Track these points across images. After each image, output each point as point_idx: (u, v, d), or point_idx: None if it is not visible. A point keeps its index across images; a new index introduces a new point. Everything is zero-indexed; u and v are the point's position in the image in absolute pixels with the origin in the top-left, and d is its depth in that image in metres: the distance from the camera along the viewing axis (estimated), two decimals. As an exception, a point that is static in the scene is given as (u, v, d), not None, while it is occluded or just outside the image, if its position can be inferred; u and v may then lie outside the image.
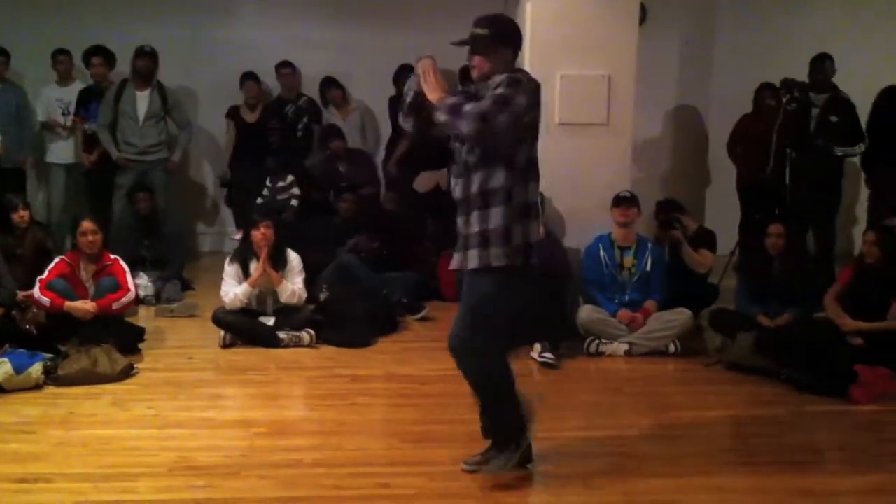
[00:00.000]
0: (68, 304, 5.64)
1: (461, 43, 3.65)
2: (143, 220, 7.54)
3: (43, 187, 8.76)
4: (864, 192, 7.88)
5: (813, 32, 8.47)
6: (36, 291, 5.69)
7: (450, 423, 4.53)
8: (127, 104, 7.95)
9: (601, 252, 6.11)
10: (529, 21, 6.20)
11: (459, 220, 3.69)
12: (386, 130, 8.89)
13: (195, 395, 5.08)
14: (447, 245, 7.09)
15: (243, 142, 8.68)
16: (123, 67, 8.22)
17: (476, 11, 3.78)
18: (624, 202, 6.07)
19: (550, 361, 5.61)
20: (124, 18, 8.62)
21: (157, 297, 7.07)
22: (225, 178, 8.94)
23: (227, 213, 9.27)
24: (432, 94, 3.56)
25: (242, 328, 6.02)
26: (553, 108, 6.13)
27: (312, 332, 6.02)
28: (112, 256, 5.99)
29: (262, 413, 4.89)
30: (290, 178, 8.25)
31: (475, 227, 3.61)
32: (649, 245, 6.21)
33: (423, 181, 8.01)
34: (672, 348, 5.90)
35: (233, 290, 6.05)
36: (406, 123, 3.82)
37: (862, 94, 7.43)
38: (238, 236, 7.19)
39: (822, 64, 7.37)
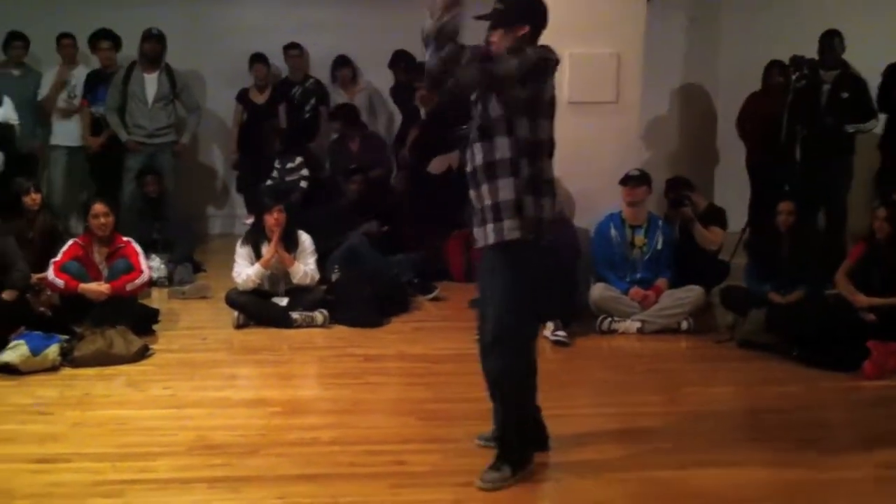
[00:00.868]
0: (82, 286, 5.66)
1: (483, 17, 3.62)
2: (151, 203, 7.58)
3: (45, 169, 8.73)
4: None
5: (820, 8, 8.39)
6: (50, 274, 5.71)
7: (463, 401, 4.55)
8: (136, 87, 7.96)
9: (612, 230, 6.11)
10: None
11: (472, 195, 3.69)
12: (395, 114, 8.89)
13: (210, 375, 5.12)
14: (456, 227, 7.19)
15: (252, 122, 8.68)
16: (129, 51, 8.21)
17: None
18: (631, 181, 6.06)
19: (563, 339, 5.63)
20: (130, 1, 8.58)
21: (170, 280, 7.11)
22: (237, 164, 8.95)
23: (236, 196, 9.28)
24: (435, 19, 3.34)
25: (255, 309, 6.06)
26: (562, 86, 6.09)
27: (326, 312, 6.05)
28: (125, 239, 6.00)
29: (277, 392, 4.93)
30: (298, 159, 8.23)
31: (487, 200, 3.59)
32: (660, 223, 6.21)
33: (437, 164, 8.01)
34: (685, 325, 5.92)
35: (245, 271, 6.07)
36: (431, 61, 3.43)
37: (870, 70, 7.40)
38: (249, 220, 7.21)
39: (830, 41, 7.32)
